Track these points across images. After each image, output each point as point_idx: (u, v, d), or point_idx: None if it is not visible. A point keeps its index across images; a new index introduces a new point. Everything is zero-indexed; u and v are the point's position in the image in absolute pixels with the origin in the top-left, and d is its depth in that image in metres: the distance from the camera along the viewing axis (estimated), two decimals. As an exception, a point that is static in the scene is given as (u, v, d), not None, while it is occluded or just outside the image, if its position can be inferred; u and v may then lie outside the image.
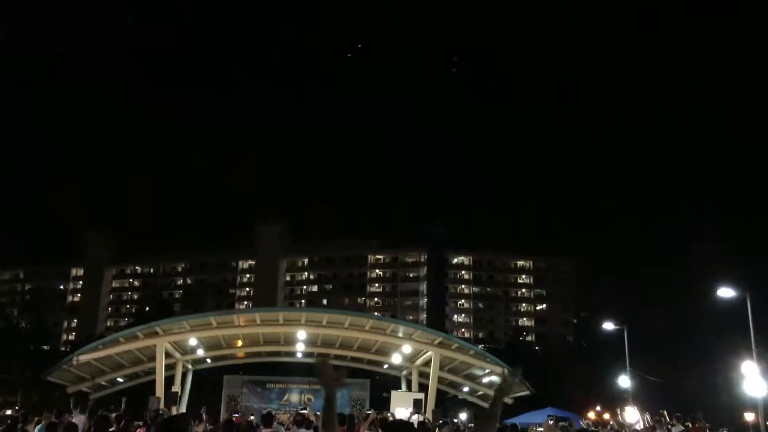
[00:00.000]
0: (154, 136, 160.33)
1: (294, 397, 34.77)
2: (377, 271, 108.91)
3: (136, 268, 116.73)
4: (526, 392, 30.94)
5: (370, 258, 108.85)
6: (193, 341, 29.13)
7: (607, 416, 31.83)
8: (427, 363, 29.32)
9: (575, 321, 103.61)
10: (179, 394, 29.69)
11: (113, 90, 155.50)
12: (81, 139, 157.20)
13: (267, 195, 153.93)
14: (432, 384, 28.34)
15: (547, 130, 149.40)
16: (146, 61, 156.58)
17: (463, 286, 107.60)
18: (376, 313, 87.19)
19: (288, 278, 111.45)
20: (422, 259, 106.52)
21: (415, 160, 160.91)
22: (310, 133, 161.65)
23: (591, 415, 35.30)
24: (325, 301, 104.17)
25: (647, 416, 16.36)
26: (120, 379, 31.78)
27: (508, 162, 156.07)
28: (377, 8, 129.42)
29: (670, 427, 16.11)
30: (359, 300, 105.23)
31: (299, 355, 33.51)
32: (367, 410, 34.10)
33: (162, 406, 24.41)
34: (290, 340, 31.34)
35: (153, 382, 27.81)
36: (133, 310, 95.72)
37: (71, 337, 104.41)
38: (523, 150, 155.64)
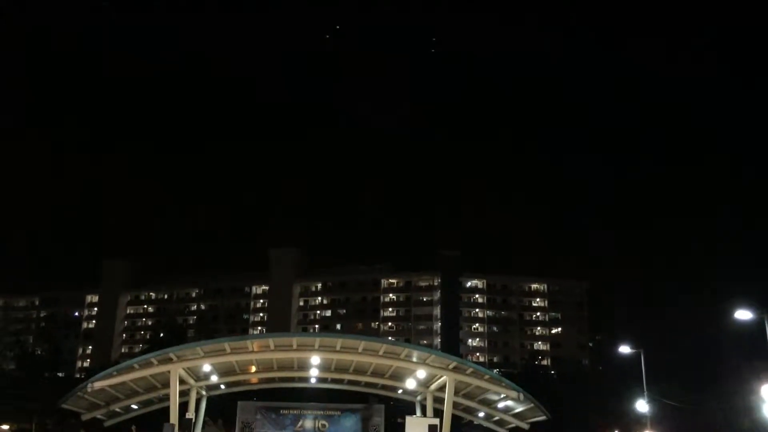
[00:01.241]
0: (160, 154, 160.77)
1: (308, 423, 34.57)
2: (390, 295, 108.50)
3: (151, 294, 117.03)
4: (543, 417, 30.60)
5: (383, 282, 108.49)
6: (206, 367, 29.13)
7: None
8: (442, 388, 29.10)
9: (590, 344, 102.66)
10: (193, 420, 29.65)
11: (112, 95, 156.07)
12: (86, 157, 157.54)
13: (279, 220, 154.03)
14: (447, 409, 28.11)
15: (558, 150, 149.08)
16: (146, 67, 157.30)
17: (477, 310, 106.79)
18: (389, 338, 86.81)
19: (301, 303, 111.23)
20: (435, 283, 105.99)
21: (419, 171, 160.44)
22: (313, 135, 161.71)
23: (609, 440, 34.78)
24: (338, 326, 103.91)
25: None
26: (134, 406, 31.77)
27: (520, 182, 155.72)
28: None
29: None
30: (373, 325, 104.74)
31: (313, 380, 33.39)
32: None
33: (176, 432, 24.36)
34: (304, 366, 31.25)
35: (167, 409, 27.76)
36: (148, 336, 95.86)
37: (86, 364, 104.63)
38: (534, 172, 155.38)
